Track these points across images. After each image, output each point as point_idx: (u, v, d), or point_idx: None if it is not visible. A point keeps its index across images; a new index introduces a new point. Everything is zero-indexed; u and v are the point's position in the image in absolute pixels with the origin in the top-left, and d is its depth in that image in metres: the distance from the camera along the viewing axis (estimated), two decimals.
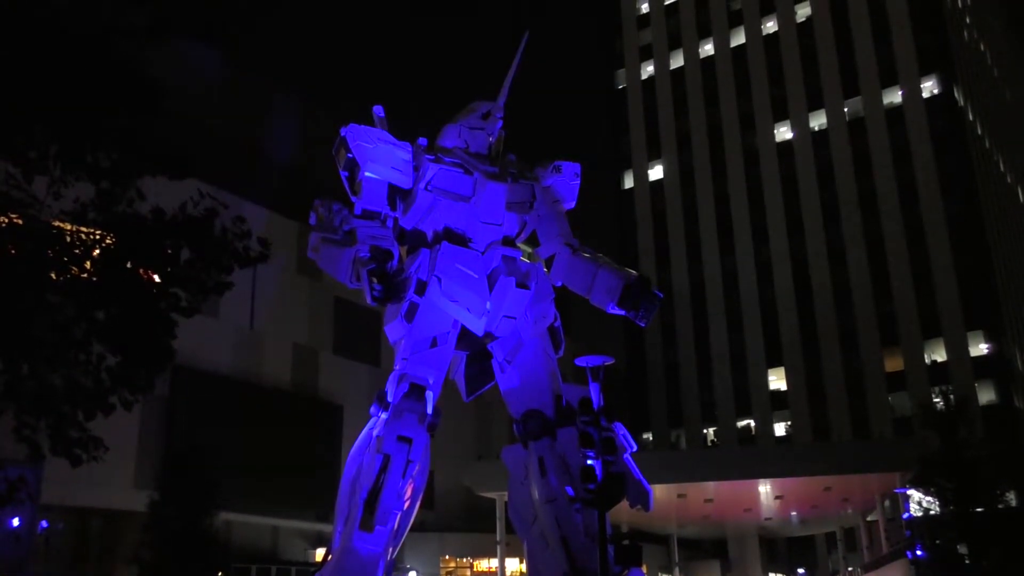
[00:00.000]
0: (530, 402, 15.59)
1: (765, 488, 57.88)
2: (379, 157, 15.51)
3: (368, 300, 14.23)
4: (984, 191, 79.13)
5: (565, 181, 16.95)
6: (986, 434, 48.14)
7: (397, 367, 15.05)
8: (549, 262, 16.83)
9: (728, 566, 75.29)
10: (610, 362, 16.50)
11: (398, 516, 13.72)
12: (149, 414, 44.08)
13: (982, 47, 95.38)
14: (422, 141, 16.28)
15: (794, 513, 66.76)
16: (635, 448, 16.36)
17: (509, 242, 16.00)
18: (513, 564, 55.87)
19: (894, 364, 75.69)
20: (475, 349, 16.04)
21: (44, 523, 37.23)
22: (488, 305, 15.10)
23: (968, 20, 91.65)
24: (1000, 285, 76.04)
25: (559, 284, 16.83)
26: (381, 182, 15.53)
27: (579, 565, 14.19)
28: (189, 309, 11.71)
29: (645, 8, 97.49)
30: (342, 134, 15.76)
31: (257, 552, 51.18)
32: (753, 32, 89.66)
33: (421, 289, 15.15)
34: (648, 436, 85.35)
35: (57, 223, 10.95)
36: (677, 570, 69.22)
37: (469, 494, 60.29)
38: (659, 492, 46.68)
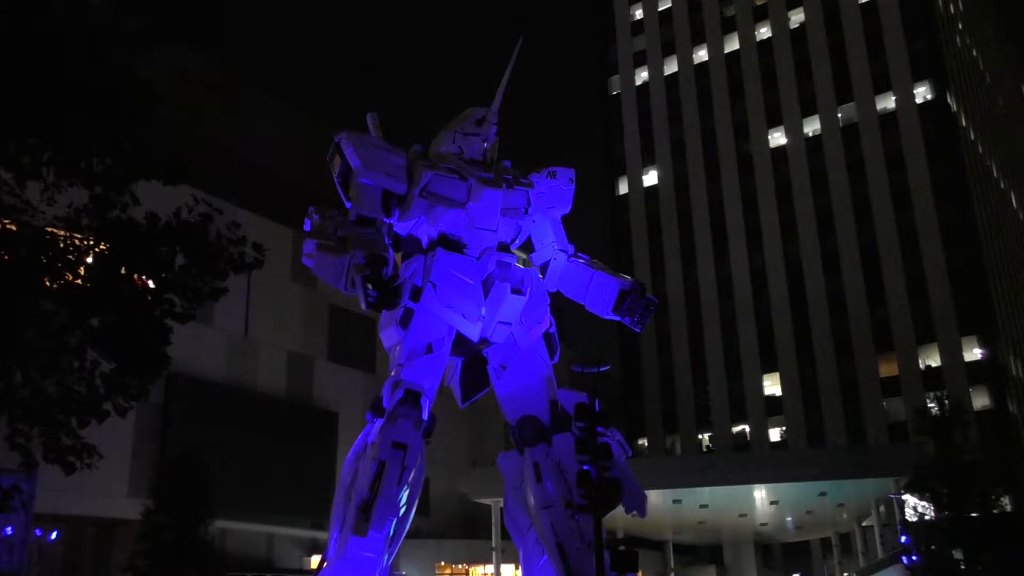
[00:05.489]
0: (526, 408, 15.59)
1: (760, 493, 57.86)
2: (374, 163, 15.53)
3: (363, 306, 14.22)
4: (977, 196, 79.43)
5: (559, 187, 16.97)
6: (980, 439, 48.26)
7: (392, 373, 15.05)
8: (544, 268, 16.87)
9: (724, 572, 75.21)
10: (606, 368, 16.54)
11: (393, 522, 13.72)
12: (143, 421, 43.90)
13: (974, 53, 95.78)
14: (417, 147, 16.31)
15: (789, 518, 66.73)
16: (630, 454, 16.38)
17: (504, 248, 16.02)
18: (509, 570, 55.70)
19: (888, 369, 75.82)
20: (470, 355, 16.05)
21: (38, 532, 37.02)
22: (483, 311, 15.11)
23: (960, 26, 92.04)
24: (993, 290, 76.26)
25: (554, 290, 16.87)
26: (376, 188, 15.54)
27: (575, 571, 14.17)
28: (184, 315, 11.65)
29: (639, 14, 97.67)
30: (336, 140, 15.78)
31: (252, 560, 50.95)
32: (747, 38, 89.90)
33: (416, 295, 15.16)
34: (643, 442, 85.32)
35: (50, 229, 10.90)
36: None
37: (465, 500, 60.20)
38: (654, 498, 46.84)
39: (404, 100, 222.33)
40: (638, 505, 15.81)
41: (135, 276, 11.32)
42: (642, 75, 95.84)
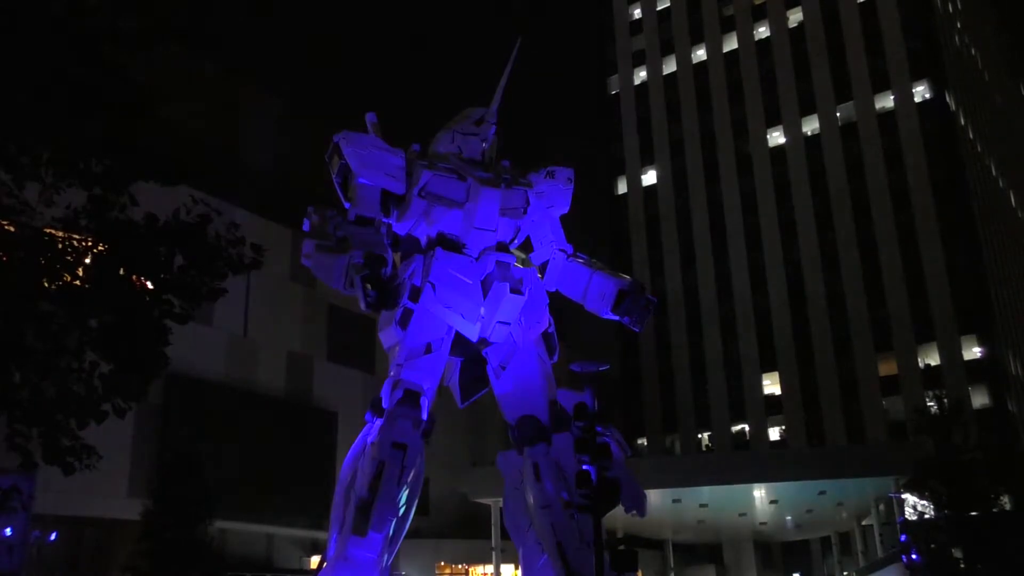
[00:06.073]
0: (525, 408, 15.57)
1: (760, 493, 57.88)
2: (372, 163, 15.55)
3: (362, 306, 14.23)
4: (976, 195, 79.43)
5: (558, 186, 16.95)
6: (980, 438, 48.22)
7: (391, 373, 15.04)
8: (543, 268, 16.86)
9: (723, 571, 75.24)
10: (605, 367, 16.52)
11: (393, 522, 13.70)
12: (142, 422, 43.88)
13: (973, 52, 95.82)
14: (415, 147, 16.31)
15: (789, 518, 66.75)
16: (629, 453, 16.37)
17: (503, 248, 16.00)
18: (509, 570, 55.72)
19: (888, 368, 75.81)
20: (469, 355, 16.04)
21: (36, 533, 36.99)
22: (482, 311, 15.10)
23: (959, 25, 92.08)
24: (993, 289, 76.28)
25: (553, 290, 16.84)
26: (375, 188, 15.57)
27: (575, 571, 14.15)
28: (182, 316, 11.66)
29: (637, 14, 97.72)
30: (335, 140, 15.79)
31: (252, 560, 50.98)
32: (745, 38, 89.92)
33: (415, 295, 15.15)
34: (643, 441, 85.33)
35: (49, 230, 10.91)
36: (672, 575, 69.16)
37: (464, 500, 60.19)
38: (654, 497, 46.78)
39: (403, 99, 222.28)
40: (637, 504, 15.80)
41: (134, 277, 11.33)
42: (641, 74, 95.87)
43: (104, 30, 10.82)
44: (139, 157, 11.20)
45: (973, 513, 39.92)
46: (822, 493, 55.89)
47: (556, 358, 16.38)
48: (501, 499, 16.40)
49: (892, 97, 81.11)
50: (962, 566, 40.16)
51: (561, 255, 16.87)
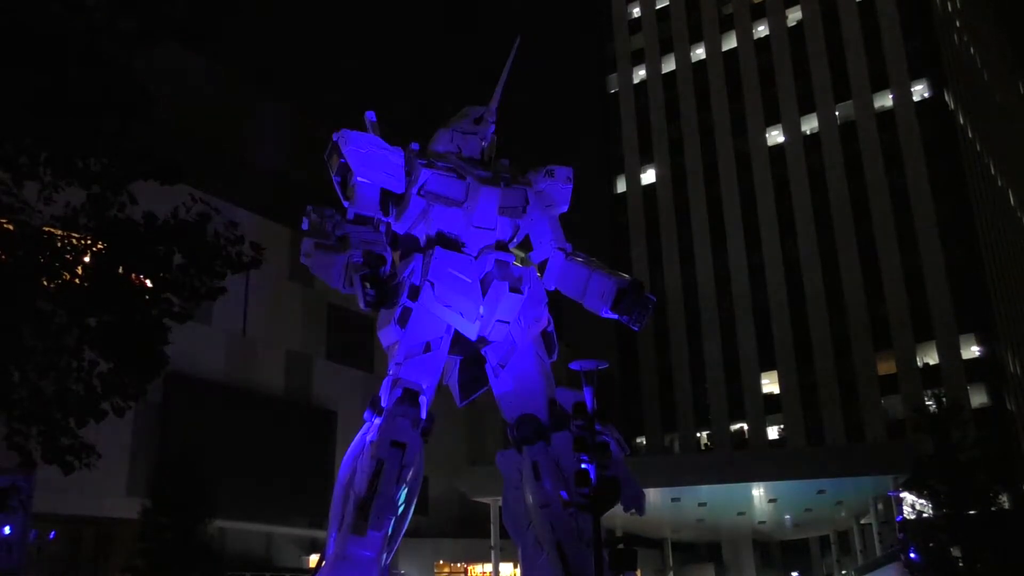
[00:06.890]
0: (524, 406, 15.58)
1: (759, 491, 57.87)
2: (371, 162, 15.57)
3: (361, 305, 14.24)
4: (975, 194, 79.43)
5: (558, 185, 16.97)
6: (978, 436, 48.25)
7: (390, 372, 15.05)
8: (542, 267, 16.86)
9: (722, 569, 75.21)
10: (604, 366, 16.50)
11: (392, 521, 13.72)
12: (142, 421, 43.78)
13: (972, 50, 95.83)
14: (414, 146, 16.31)
15: (788, 516, 66.73)
16: (628, 452, 16.37)
17: (502, 247, 16.02)
18: (508, 569, 55.71)
19: (887, 367, 75.81)
20: (468, 354, 16.05)
21: (35, 532, 36.92)
22: (481, 310, 15.11)
23: (958, 23, 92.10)
24: (992, 287, 76.28)
25: (552, 288, 16.85)
26: (374, 187, 15.59)
27: (574, 570, 14.17)
28: (182, 315, 11.66)
29: (636, 12, 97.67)
30: (334, 139, 15.80)
31: (251, 559, 50.92)
32: (744, 36, 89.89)
33: (414, 294, 15.17)
34: (642, 440, 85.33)
35: (48, 229, 10.90)
36: (671, 574, 69.16)
37: (463, 499, 60.18)
38: (653, 496, 46.77)
39: (403, 99, 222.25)
40: (636, 503, 15.81)
41: (133, 276, 11.32)
42: (640, 73, 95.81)
43: (103, 28, 10.81)
44: (138, 156, 11.19)
45: (972, 512, 39.90)
46: (821, 492, 55.86)
47: (555, 357, 16.38)
48: (500, 498, 16.39)
49: (891, 96, 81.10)
50: (960, 565, 40.15)
51: (560, 254, 16.87)
